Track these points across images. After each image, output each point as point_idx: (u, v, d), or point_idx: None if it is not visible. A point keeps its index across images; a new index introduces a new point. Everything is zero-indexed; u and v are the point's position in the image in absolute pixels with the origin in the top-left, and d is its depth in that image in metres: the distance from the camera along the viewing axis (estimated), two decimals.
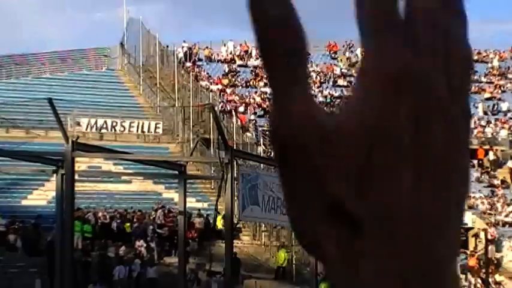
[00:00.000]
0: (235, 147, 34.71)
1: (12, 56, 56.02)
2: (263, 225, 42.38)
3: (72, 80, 54.65)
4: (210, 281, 36.23)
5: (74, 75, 55.13)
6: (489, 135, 64.03)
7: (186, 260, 31.93)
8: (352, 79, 60.61)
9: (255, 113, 56.28)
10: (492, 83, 70.07)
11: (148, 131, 50.36)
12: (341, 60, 67.67)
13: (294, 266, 40.47)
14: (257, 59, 62.09)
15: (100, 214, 40.11)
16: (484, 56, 70.78)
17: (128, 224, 40.61)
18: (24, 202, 42.55)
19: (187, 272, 32.79)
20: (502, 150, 62.48)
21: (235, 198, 28.77)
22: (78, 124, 44.59)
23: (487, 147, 60.92)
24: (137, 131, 49.72)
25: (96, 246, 38.29)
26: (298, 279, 39.05)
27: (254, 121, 54.32)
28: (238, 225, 37.46)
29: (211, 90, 54.77)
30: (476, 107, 64.62)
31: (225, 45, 62.03)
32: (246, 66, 61.46)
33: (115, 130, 49.11)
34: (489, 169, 62.08)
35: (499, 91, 70.54)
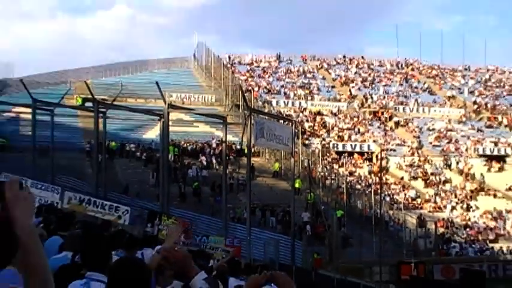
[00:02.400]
0: (253, 107, 41.53)
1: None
2: (267, 149, 49.87)
3: (168, 73, 66.59)
4: (238, 176, 45.11)
5: (169, 71, 68.68)
6: None
7: (227, 166, 38.53)
8: None
9: (265, 92, 68.89)
10: None
11: (208, 100, 62.13)
12: None
13: (283, 170, 48.62)
14: (266, 63, 75.98)
15: (182, 142, 50.30)
16: None
17: (196, 148, 50.59)
18: (144, 136, 51.45)
19: (228, 173, 39.59)
20: None
21: (252, 134, 33.69)
22: (171, 96, 52.51)
23: None
24: (201, 99, 61.63)
25: (179, 159, 47.84)
26: (286, 176, 46.15)
27: (262, 97, 66.32)
28: (254, 148, 43.09)
29: (240, 79, 66.99)
30: None
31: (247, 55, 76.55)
32: (258, 67, 74.33)
33: (190, 99, 60.27)
34: None
35: None
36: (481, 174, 56.02)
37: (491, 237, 47.07)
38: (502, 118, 67.65)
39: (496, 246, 46.02)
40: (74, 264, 5.54)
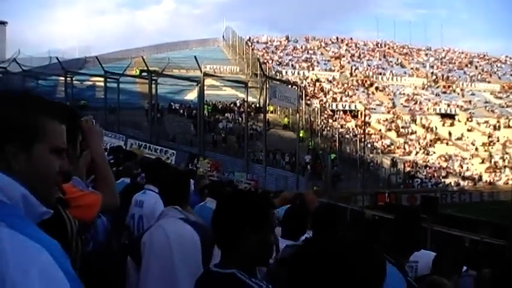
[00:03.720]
0: (267, 75, 40.77)
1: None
2: (278, 107, 48.89)
3: (203, 50, 64.90)
4: (256, 128, 44.66)
5: (204, 48, 68.25)
6: None
7: (248, 120, 39.38)
8: None
9: (277, 64, 69.15)
10: None
11: (233, 70, 61.94)
12: None
13: (290, 123, 47.58)
14: (278, 42, 74.93)
15: (214, 102, 49.50)
16: None
17: (225, 106, 50.47)
18: (186, 97, 50.54)
19: (249, 125, 39.82)
20: None
21: (267, 95, 35.46)
22: (205, 67, 47.70)
23: None
24: (228, 70, 61.39)
25: (212, 115, 47.31)
26: (293, 128, 45.61)
27: (274, 68, 66.83)
28: (268, 106, 42.51)
29: (258, 54, 67.47)
30: None
31: (263, 36, 76.27)
32: (271, 45, 74.22)
33: (220, 69, 58.96)
34: None
35: None
36: (439, 127, 56.46)
37: (443, 174, 47.64)
38: (453, 86, 67.77)
39: (447, 181, 46.57)
40: (135, 184, 5.86)
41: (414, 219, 3.34)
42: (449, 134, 55.26)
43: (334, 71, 67.50)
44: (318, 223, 3.94)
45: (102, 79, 42.85)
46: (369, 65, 70.67)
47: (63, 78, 43.67)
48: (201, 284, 2.38)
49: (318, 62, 69.32)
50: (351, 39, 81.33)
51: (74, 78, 44.99)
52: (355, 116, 57.00)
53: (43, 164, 1.31)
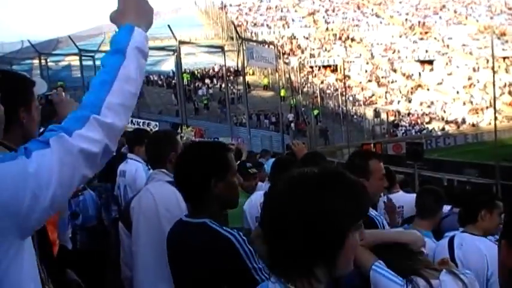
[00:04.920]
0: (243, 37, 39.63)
1: None
2: (257, 68, 49.45)
3: (176, 18, 66.66)
4: (237, 91, 44.40)
5: (177, 15, 69.08)
6: None
7: (228, 84, 39.07)
8: None
9: (252, 25, 68.10)
10: None
11: (208, 35, 61.71)
12: None
13: (270, 83, 48.06)
14: (251, 3, 73.20)
15: (192, 69, 49.83)
16: None
17: (203, 73, 51.01)
18: (163, 68, 49.72)
19: (229, 89, 39.51)
20: None
21: (245, 57, 34.32)
22: (180, 36, 45.29)
23: None
24: (203, 35, 61.25)
25: (191, 82, 47.97)
26: (273, 87, 45.52)
27: (250, 29, 66.39)
28: (247, 68, 41.21)
29: (232, 17, 67.24)
30: None
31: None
32: (245, 7, 75.05)
33: (195, 36, 57.06)
34: None
35: None
36: (419, 74, 56.58)
37: (426, 120, 48.03)
38: (430, 32, 67.22)
39: (431, 126, 46.91)
40: (119, 155, 5.89)
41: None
42: (430, 80, 55.42)
43: (309, 27, 67.01)
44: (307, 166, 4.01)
45: (77, 58, 42.17)
46: (344, 18, 70.18)
47: (37, 61, 43.14)
48: (173, 235, 2.43)
49: (292, 20, 68.57)
50: None
51: (48, 60, 44.52)
52: (334, 70, 57.01)
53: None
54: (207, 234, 2.21)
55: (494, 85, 26.00)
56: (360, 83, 54.63)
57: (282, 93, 43.07)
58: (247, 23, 65.26)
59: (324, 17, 70.43)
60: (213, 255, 2.16)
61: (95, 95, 1.47)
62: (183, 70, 39.73)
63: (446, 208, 5.53)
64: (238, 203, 2.53)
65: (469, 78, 55.61)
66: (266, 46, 40.90)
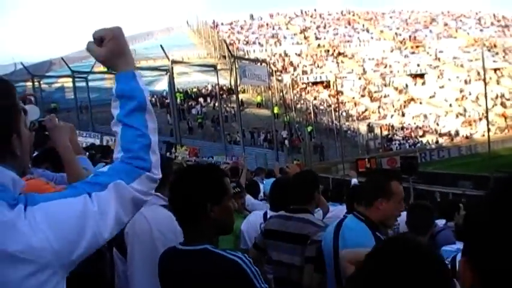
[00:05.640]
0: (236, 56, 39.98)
1: None
2: (250, 86, 49.05)
3: (169, 38, 67.81)
4: (230, 109, 44.63)
5: (169, 36, 68.95)
6: None
7: (221, 102, 39.97)
8: None
9: (244, 43, 68.51)
10: None
11: (201, 55, 60.98)
12: None
13: (264, 101, 47.84)
14: (242, 21, 74.28)
15: (186, 88, 49.54)
16: None
17: (197, 92, 50.89)
18: (156, 88, 48.71)
19: (222, 108, 40.63)
20: None
21: (238, 76, 35.07)
22: (173, 55, 45.62)
23: None
24: (196, 55, 60.44)
25: (185, 102, 47.64)
26: (266, 105, 45.64)
27: (242, 48, 66.68)
28: (240, 86, 40.93)
29: (223, 36, 68.14)
30: None
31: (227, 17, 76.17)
32: (236, 25, 74.99)
33: (188, 55, 57.06)
34: None
35: None
36: (411, 88, 56.67)
37: (420, 133, 48.16)
38: (421, 46, 67.74)
39: (424, 139, 46.99)
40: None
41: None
42: (422, 93, 55.61)
43: (301, 44, 67.39)
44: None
45: (70, 79, 42.29)
46: (335, 34, 70.67)
47: (30, 83, 42.97)
48: (169, 264, 2.37)
49: (284, 37, 69.02)
50: (315, 10, 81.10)
51: (41, 82, 44.66)
52: (327, 86, 57.19)
53: (27, 140, 1.52)
54: (211, 260, 2.18)
55: (486, 97, 26.18)
56: (353, 98, 54.77)
57: (276, 110, 43.27)
58: (239, 41, 65.63)
59: (315, 33, 70.91)
60: (221, 279, 2.13)
61: (138, 156, 1.61)
62: (176, 89, 39.65)
63: (441, 222, 5.54)
64: (233, 228, 2.51)
65: (461, 91, 55.90)
66: (258, 64, 41.11)
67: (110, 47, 1.71)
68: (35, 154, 3.81)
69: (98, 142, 29.24)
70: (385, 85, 57.74)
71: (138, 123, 1.64)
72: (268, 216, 4.62)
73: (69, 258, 1.34)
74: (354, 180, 8.54)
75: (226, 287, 2.12)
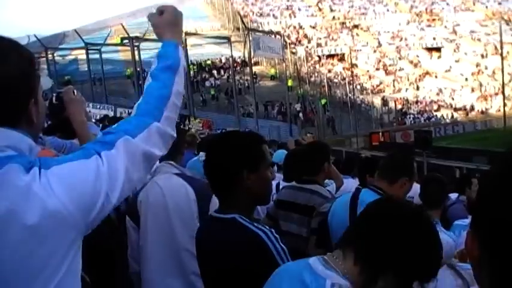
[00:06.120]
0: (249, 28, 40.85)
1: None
2: (264, 58, 49.05)
3: (182, 9, 67.08)
4: (244, 82, 44.90)
5: (183, 7, 69.19)
6: None
7: (234, 75, 39.68)
8: None
9: (258, 15, 68.46)
10: None
11: (215, 27, 61.34)
12: None
13: (277, 73, 47.98)
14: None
15: (199, 60, 50.13)
16: None
17: (210, 64, 51.58)
18: None
19: (236, 80, 40.26)
20: None
21: (251, 48, 35.58)
22: (186, 27, 46.81)
23: None
24: (209, 27, 60.77)
25: (199, 74, 48.33)
26: (280, 78, 45.35)
27: (256, 20, 66.43)
28: (254, 58, 41.50)
29: (238, 8, 66.35)
30: None
31: None
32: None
33: (201, 27, 57.41)
34: None
35: None
36: (424, 62, 55.78)
37: (435, 107, 47.90)
38: (437, 19, 66.40)
39: (439, 114, 46.77)
40: None
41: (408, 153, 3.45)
42: (438, 67, 54.97)
43: (316, 16, 66.70)
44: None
45: (83, 51, 42.45)
46: (350, 7, 69.77)
47: (44, 56, 43.11)
48: (202, 231, 2.33)
49: (299, 9, 68.08)
50: None
51: (55, 54, 44.92)
52: (341, 59, 56.74)
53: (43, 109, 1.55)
54: (235, 231, 2.09)
55: (502, 71, 25.85)
56: (368, 71, 54.34)
57: (289, 83, 43.31)
58: (253, 13, 64.86)
59: (330, 5, 70.04)
60: (241, 253, 2.05)
61: (154, 106, 1.60)
62: (189, 62, 39.57)
63: (454, 196, 5.53)
64: (270, 198, 2.41)
65: (477, 65, 55.15)
66: (272, 36, 40.94)
67: (167, 18, 1.87)
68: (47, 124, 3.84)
69: (111, 114, 29.60)
70: (400, 58, 57.12)
71: (166, 79, 1.67)
72: (280, 186, 4.64)
73: (86, 220, 1.35)
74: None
75: (247, 260, 2.03)
